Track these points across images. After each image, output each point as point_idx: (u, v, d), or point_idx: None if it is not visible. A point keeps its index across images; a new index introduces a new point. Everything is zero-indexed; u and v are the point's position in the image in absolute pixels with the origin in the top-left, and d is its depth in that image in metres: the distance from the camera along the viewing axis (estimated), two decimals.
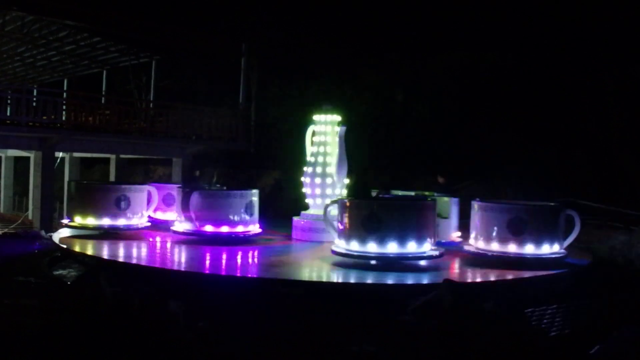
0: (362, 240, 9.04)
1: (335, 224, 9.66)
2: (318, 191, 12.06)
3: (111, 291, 7.63)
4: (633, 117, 18.97)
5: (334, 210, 9.83)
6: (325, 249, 10.70)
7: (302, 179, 12.32)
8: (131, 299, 7.28)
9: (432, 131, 22.15)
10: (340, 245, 9.40)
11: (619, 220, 15.89)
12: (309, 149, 12.48)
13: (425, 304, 7.21)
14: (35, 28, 22.53)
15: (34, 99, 20.07)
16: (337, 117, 12.33)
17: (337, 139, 12.12)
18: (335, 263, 9.45)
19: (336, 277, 8.76)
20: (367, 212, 9.10)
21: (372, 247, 9.02)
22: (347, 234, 9.28)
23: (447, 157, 20.50)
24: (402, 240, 8.98)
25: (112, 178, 23.37)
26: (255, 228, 11.37)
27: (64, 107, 20.79)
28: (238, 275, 8.69)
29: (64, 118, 20.41)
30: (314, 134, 12.45)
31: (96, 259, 9.45)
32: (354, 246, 9.13)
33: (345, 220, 9.33)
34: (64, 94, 24.04)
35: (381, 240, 8.95)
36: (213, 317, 7.20)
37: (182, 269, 8.91)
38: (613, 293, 9.20)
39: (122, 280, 8.39)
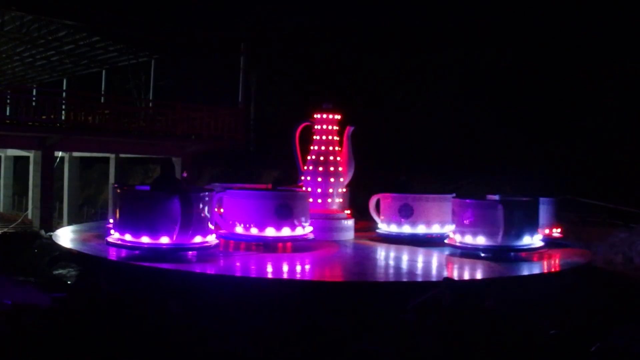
0: (399, 224, 11.94)
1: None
2: (330, 190, 12.03)
3: (110, 291, 7.63)
4: (633, 115, 18.96)
5: None
6: (327, 248, 10.72)
7: (304, 177, 12.25)
8: (131, 299, 7.28)
9: (431, 129, 22.15)
10: (383, 228, 12.20)
11: (619, 218, 15.90)
12: (298, 147, 12.41)
13: (425, 302, 7.21)
14: (34, 28, 22.51)
15: (33, 98, 20.04)
16: (339, 116, 12.32)
17: (341, 138, 12.17)
18: (336, 262, 9.47)
19: (337, 276, 8.77)
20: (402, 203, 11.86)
21: (406, 229, 11.92)
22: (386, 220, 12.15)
23: (446, 154, 20.51)
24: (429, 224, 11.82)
25: (111, 178, 23.34)
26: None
27: (63, 106, 20.76)
28: (238, 275, 8.68)
29: (63, 117, 20.38)
30: (311, 132, 12.41)
31: (95, 259, 9.42)
32: (393, 228, 12.04)
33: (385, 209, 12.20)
34: (63, 94, 24.01)
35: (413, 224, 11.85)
36: (213, 317, 7.21)
37: (182, 269, 8.87)
38: (613, 290, 9.21)
39: (121, 279, 8.39)
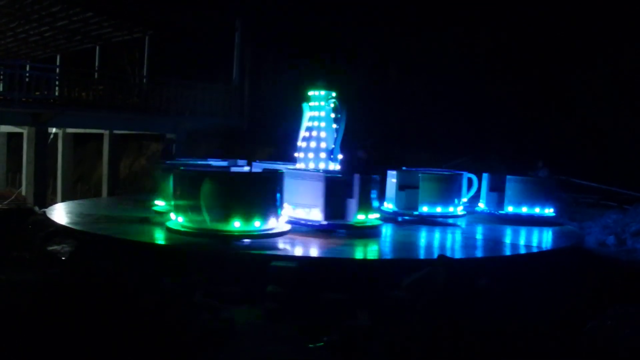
0: None
1: None
2: (321, 166, 11.96)
3: (104, 266, 7.64)
4: (626, 96, 18.96)
5: None
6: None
7: (297, 154, 12.23)
8: (125, 276, 7.29)
9: (426, 107, 22.14)
10: None
11: (612, 199, 15.97)
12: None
13: (419, 280, 7.24)
14: (28, 3, 22.28)
15: (27, 74, 19.88)
16: (332, 93, 12.24)
17: (329, 115, 12.08)
18: (330, 240, 9.48)
19: (331, 253, 8.78)
20: None
21: None
22: None
23: (441, 133, 20.51)
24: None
25: (105, 154, 23.27)
26: None
27: (57, 82, 20.64)
28: (233, 251, 8.68)
29: (57, 94, 20.25)
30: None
31: (89, 235, 9.41)
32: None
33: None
34: (57, 70, 23.84)
35: None
36: (207, 292, 7.23)
37: (176, 245, 8.85)
38: (606, 271, 9.27)
39: (115, 255, 8.38)
